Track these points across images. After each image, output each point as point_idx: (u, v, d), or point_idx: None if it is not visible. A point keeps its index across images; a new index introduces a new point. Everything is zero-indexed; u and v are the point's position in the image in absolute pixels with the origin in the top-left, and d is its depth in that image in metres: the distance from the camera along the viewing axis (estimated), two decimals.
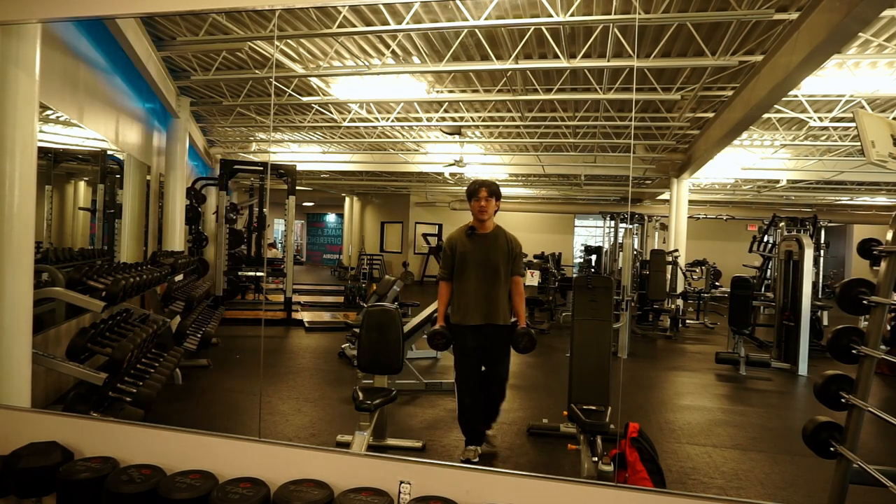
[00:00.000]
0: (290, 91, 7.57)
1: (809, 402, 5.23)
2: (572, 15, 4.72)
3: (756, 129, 8.50)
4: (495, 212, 3.45)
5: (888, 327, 5.71)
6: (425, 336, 4.23)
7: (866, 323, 2.13)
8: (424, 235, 16.81)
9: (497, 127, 9.34)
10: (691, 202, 10.70)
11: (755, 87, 5.81)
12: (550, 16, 4.71)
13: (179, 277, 6.20)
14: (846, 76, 5.89)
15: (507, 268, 3.43)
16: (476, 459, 3.41)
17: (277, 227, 18.55)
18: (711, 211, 14.58)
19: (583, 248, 12.74)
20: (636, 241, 10.54)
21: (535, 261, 9.87)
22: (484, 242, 3.42)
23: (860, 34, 4.74)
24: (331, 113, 8.96)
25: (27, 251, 2.81)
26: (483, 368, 3.50)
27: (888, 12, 4.55)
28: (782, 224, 9.73)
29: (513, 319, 3.48)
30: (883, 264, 2.09)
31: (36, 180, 2.84)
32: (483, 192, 3.37)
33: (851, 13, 3.69)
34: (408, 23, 5.04)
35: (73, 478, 2.19)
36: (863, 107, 6.71)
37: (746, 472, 3.63)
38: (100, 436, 2.63)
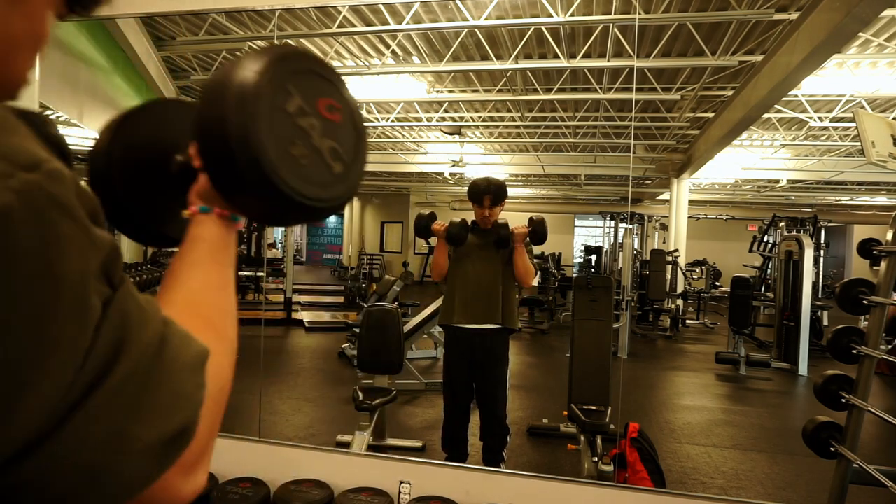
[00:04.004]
0: None
1: (809, 402, 5.23)
2: (572, 15, 4.72)
3: (756, 129, 8.50)
4: (500, 210, 3.08)
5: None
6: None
7: (866, 323, 2.13)
8: None
9: (497, 127, 9.34)
10: (691, 202, 10.70)
11: (755, 87, 5.81)
12: (550, 16, 4.71)
13: None
14: (846, 76, 5.89)
15: (509, 260, 3.02)
16: None
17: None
18: (711, 211, 14.57)
19: (583, 248, 12.74)
20: (636, 241, 10.53)
21: (534, 261, 9.86)
22: (485, 234, 3.06)
23: (860, 34, 4.74)
24: None
25: None
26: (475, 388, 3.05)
27: (888, 12, 4.55)
28: (782, 224, 9.73)
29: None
30: (883, 264, 2.09)
31: None
32: (486, 201, 2.98)
33: (851, 13, 3.69)
34: (408, 23, 5.04)
35: None
36: (863, 107, 6.71)
37: (746, 472, 3.63)
38: None
